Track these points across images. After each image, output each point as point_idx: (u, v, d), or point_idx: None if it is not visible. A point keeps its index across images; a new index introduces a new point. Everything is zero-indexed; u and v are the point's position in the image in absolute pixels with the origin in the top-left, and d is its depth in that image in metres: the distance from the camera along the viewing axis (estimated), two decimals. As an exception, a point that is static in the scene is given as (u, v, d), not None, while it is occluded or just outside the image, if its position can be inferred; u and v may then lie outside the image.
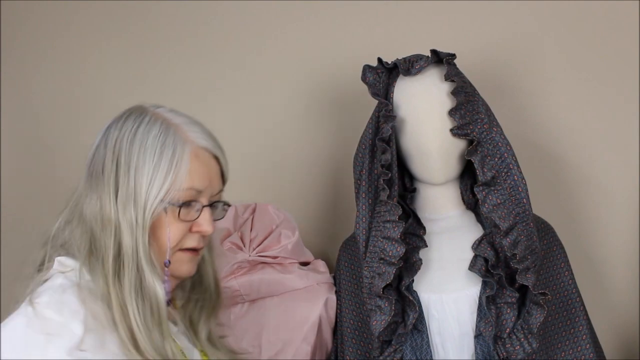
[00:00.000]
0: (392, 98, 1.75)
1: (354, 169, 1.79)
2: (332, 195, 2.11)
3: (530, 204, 1.69)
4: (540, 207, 1.86)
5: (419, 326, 1.69)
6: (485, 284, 1.68)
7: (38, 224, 2.30)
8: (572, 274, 1.81)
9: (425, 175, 1.74)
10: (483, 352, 1.69)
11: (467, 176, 1.80)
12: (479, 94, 1.74)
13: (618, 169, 2.01)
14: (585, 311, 1.80)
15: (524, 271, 1.65)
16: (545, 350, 1.74)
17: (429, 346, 1.70)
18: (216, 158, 1.36)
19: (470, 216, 1.80)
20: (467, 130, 1.68)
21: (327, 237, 2.07)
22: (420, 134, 1.71)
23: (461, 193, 1.82)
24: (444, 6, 2.09)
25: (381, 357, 1.69)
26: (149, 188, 1.26)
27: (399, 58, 1.76)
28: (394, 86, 1.76)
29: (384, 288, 1.66)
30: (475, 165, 1.68)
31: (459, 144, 1.72)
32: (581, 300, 1.80)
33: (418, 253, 1.72)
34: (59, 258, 1.30)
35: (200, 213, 1.31)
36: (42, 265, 1.32)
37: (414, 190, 1.82)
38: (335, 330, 1.91)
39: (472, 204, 1.81)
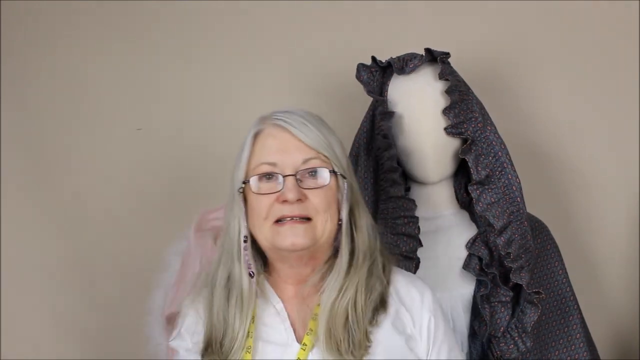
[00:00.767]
0: (387, 96, 1.75)
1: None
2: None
3: (524, 202, 1.69)
4: (536, 206, 1.85)
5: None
6: (479, 283, 1.69)
7: (40, 224, 2.34)
8: (566, 272, 1.80)
9: (420, 173, 1.74)
10: (477, 351, 1.69)
11: (461, 175, 1.80)
12: (473, 93, 1.74)
13: (616, 168, 2.01)
14: (579, 310, 1.80)
15: (518, 270, 1.65)
16: (539, 350, 1.74)
17: None
18: (288, 131, 1.38)
19: (464, 215, 1.80)
20: (461, 129, 1.69)
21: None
22: (415, 132, 1.72)
23: (455, 192, 1.82)
24: (440, 5, 2.09)
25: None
26: (235, 174, 1.42)
27: (393, 57, 1.77)
28: (388, 85, 1.76)
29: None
30: (470, 164, 1.68)
31: (453, 143, 1.72)
32: (575, 299, 1.79)
33: (415, 252, 1.73)
34: None
35: (283, 184, 1.34)
36: None
37: (408, 189, 1.82)
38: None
39: (466, 202, 1.81)
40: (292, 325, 1.39)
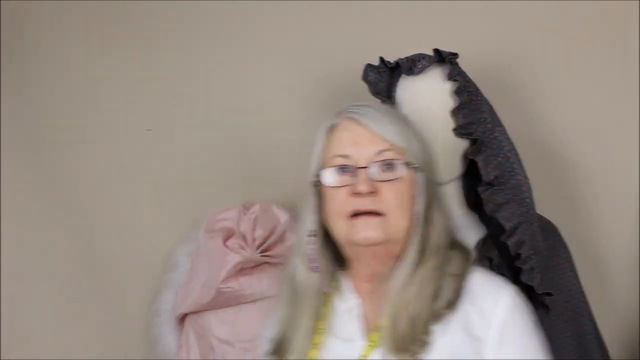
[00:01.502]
0: (395, 98, 1.74)
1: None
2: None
3: (534, 203, 1.68)
4: (546, 207, 1.84)
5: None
6: (489, 285, 1.68)
7: (50, 223, 2.34)
8: (576, 273, 1.79)
9: (428, 175, 1.73)
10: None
11: (470, 176, 1.79)
12: (482, 94, 1.73)
13: (620, 168, 2.00)
14: (590, 311, 1.79)
15: (528, 271, 1.64)
16: (550, 351, 1.73)
17: None
18: (362, 123, 1.37)
19: (474, 216, 1.79)
20: (470, 130, 1.67)
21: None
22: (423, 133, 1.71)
23: (464, 193, 1.81)
24: (448, 5, 2.07)
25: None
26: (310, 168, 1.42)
27: (402, 57, 1.76)
28: (396, 86, 1.75)
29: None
30: (479, 165, 1.67)
31: (462, 144, 1.71)
32: (586, 300, 1.79)
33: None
34: None
35: (356, 176, 1.34)
36: None
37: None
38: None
39: (475, 204, 1.80)
40: (364, 322, 1.37)
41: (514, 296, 1.38)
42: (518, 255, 1.64)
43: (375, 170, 1.34)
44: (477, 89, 1.73)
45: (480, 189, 1.67)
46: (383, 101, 1.75)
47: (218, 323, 1.92)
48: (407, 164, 1.35)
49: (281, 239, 1.95)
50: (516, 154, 1.69)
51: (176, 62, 2.28)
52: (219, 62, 2.25)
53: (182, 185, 2.24)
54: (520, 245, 1.64)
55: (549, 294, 1.64)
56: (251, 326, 1.89)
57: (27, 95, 2.42)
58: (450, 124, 1.69)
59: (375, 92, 1.76)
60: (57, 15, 2.40)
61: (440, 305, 1.32)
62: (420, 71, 1.72)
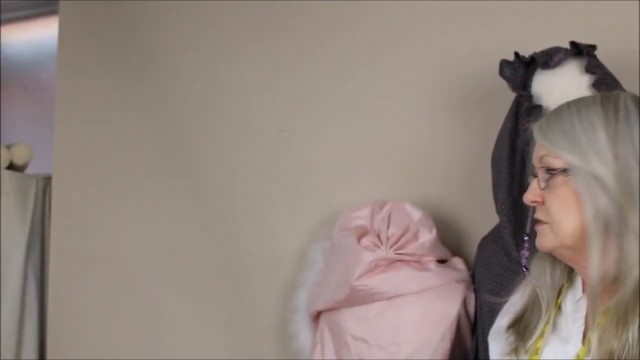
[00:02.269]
0: (530, 93, 1.72)
1: (492, 165, 1.78)
2: (468, 192, 2.09)
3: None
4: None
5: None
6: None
7: (189, 222, 2.41)
8: None
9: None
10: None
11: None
12: (622, 87, 1.69)
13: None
14: None
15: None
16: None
17: None
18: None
19: None
20: (610, 123, 1.63)
21: (464, 235, 2.05)
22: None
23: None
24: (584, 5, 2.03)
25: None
26: None
27: (536, 52, 1.74)
28: (531, 80, 1.74)
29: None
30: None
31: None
32: None
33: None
34: None
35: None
36: None
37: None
38: (474, 329, 1.90)
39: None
40: (585, 323, 1.34)
41: None
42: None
43: (540, 178, 1.32)
44: (616, 82, 1.69)
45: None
46: (521, 96, 1.73)
47: (353, 320, 1.93)
48: (565, 170, 1.28)
49: (415, 236, 1.95)
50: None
51: (311, 63, 2.30)
52: (354, 62, 2.25)
53: (314, 184, 2.26)
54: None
55: None
56: (386, 324, 1.90)
57: (164, 97, 2.50)
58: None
59: (514, 88, 1.74)
60: (192, 19, 2.47)
61: None
62: (557, 64, 1.70)
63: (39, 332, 2.85)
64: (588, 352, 1.27)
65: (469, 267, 1.99)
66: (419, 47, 2.18)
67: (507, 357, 1.39)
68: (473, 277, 1.92)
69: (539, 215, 1.33)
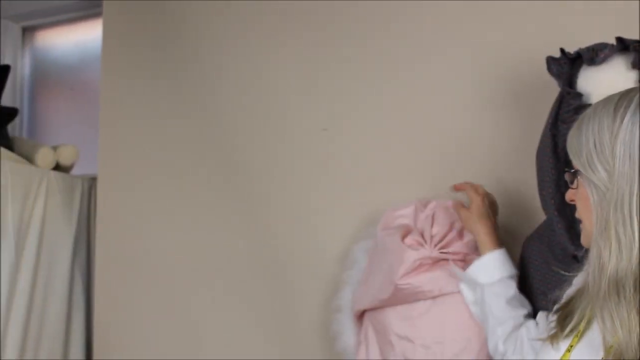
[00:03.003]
0: (576, 89, 1.70)
1: (537, 162, 1.76)
2: (512, 190, 2.07)
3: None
4: None
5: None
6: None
7: (230, 222, 2.42)
8: None
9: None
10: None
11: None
12: (671, 83, 1.66)
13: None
14: None
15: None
16: None
17: None
18: None
19: None
20: (658, 120, 1.61)
21: (508, 234, 2.03)
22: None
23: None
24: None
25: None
26: None
27: (582, 48, 1.72)
28: (577, 77, 1.72)
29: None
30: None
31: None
32: None
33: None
34: None
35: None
36: None
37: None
38: (520, 328, 1.88)
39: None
40: None
41: None
42: None
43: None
44: (663, 78, 1.66)
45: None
46: (568, 93, 1.71)
47: (397, 319, 1.92)
48: (577, 172, 1.32)
49: (459, 235, 1.94)
50: None
51: (353, 61, 2.30)
52: (396, 60, 2.24)
53: (357, 183, 2.26)
54: None
55: None
56: (431, 323, 1.89)
57: (206, 97, 2.52)
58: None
59: (563, 85, 1.72)
60: (235, 19, 2.48)
61: None
62: (603, 61, 1.68)
63: (86, 331, 2.89)
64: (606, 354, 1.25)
65: (514, 266, 1.97)
66: (462, 45, 2.17)
67: (543, 339, 1.40)
68: (517, 277, 1.90)
69: (576, 214, 1.37)
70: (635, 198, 1.21)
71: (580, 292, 1.35)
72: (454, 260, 1.91)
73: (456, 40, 2.18)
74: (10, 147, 2.89)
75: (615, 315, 1.21)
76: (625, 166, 1.23)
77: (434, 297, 1.90)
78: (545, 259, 1.78)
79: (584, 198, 1.31)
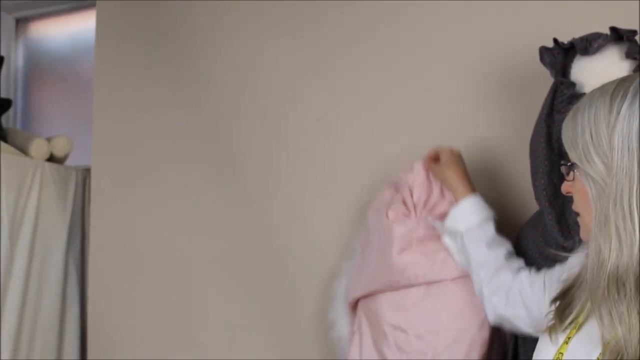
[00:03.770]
0: (570, 79, 1.71)
1: (530, 152, 1.77)
2: (506, 180, 2.07)
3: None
4: None
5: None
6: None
7: (226, 216, 2.42)
8: None
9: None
10: None
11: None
12: (664, 72, 1.66)
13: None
14: None
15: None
16: None
17: None
18: None
19: None
20: (652, 109, 1.61)
21: (501, 223, 2.03)
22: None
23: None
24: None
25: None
26: None
27: (576, 37, 1.72)
28: (571, 67, 1.72)
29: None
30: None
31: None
32: None
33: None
34: None
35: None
36: None
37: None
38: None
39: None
40: None
41: None
42: None
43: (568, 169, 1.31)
44: (657, 67, 1.66)
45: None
46: (562, 83, 1.71)
47: (391, 309, 1.92)
48: (572, 165, 1.28)
49: (442, 194, 1.93)
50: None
51: (347, 55, 2.30)
52: (390, 52, 2.24)
53: (352, 176, 2.25)
54: None
55: None
56: (424, 313, 1.89)
57: (202, 88, 2.52)
58: (629, 103, 1.63)
59: (556, 75, 1.72)
60: (231, 9, 2.48)
61: None
62: (596, 51, 1.68)
63: (81, 323, 2.89)
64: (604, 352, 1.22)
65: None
66: (455, 36, 2.17)
67: (542, 333, 1.38)
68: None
69: (573, 206, 1.33)
70: (635, 193, 1.18)
71: (578, 283, 1.33)
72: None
73: (449, 33, 2.18)
74: (4, 138, 2.88)
75: (614, 313, 1.18)
76: (624, 159, 1.19)
77: (428, 285, 1.89)
78: (539, 249, 1.78)
79: (582, 191, 1.27)
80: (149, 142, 2.62)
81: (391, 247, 1.88)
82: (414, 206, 1.93)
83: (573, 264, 1.44)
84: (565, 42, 1.75)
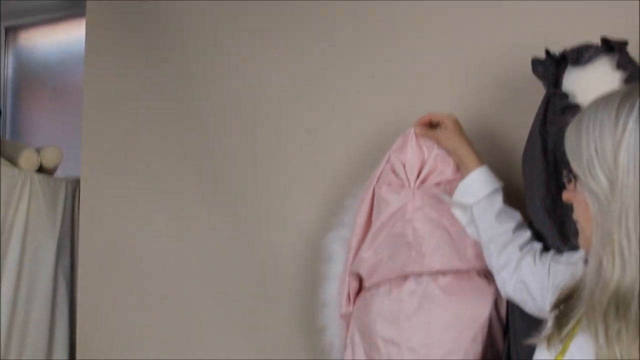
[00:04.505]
0: (562, 90, 1.70)
1: (524, 163, 1.76)
2: (505, 179, 2.06)
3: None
4: None
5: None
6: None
7: (214, 223, 2.41)
8: None
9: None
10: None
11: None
12: (656, 82, 1.66)
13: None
14: None
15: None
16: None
17: None
18: None
19: None
20: (644, 119, 1.61)
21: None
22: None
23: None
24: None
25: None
26: None
27: (567, 48, 1.72)
28: (562, 78, 1.71)
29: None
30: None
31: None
32: None
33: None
34: None
35: None
36: None
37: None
38: (506, 330, 1.88)
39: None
40: None
41: None
42: None
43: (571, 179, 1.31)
44: (649, 77, 1.66)
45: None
46: (554, 94, 1.71)
47: (383, 322, 1.90)
48: (575, 175, 1.27)
49: (435, 164, 1.91)
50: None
51: (338, 57, 2.29)
52: (385, 56, 2.23)
53: (341, 178, 2.24)
54: None
55: None
56: (417, 326, 1.87)
57: (192, 100, 2.50)
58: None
59: (549, 86, 1.72)
60: (220, 18, 2.47)
61: None
62: (588, 61, 1.68)
63: (70, 334, 2.87)
64: None
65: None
66: (445, 44, 2.15)
67: (539, 342, 1.37)
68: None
69: (573, 215, 1.32)
70: None
71: (577, 294, 1.31)
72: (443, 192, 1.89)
73: (440, 41, 2.17)
74: (-8, 149, 2.87)
75: (610, 332, 1.17)
76: (629, 177, 1.16)
77: (431, 274, 1.87)
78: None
79: (583, 202, 1.25)
80: (137, 152, 2.61)
81: (388, 222, 1.89)
82: (407, 177, 1.91)
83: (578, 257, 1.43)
84: (566, 41, 1.74)
